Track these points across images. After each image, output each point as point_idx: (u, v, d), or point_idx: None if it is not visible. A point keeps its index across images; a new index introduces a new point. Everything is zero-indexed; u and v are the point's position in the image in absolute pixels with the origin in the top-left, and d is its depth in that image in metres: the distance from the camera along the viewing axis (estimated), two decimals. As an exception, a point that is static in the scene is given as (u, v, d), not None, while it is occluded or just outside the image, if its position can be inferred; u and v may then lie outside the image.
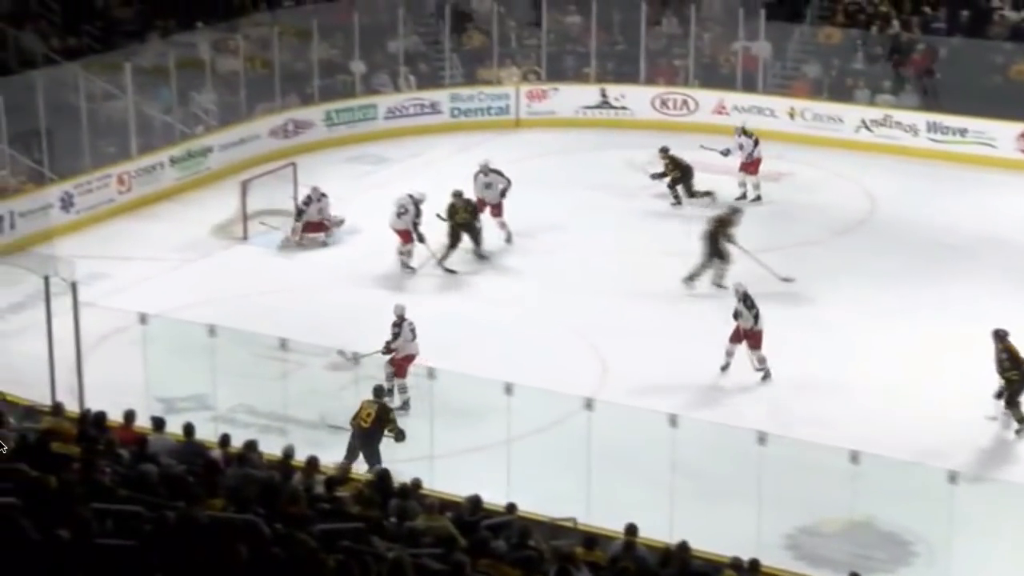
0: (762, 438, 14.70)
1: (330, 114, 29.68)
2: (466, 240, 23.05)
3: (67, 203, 24.62)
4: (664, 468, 15.02)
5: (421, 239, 22.84)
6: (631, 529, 12.78)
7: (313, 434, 16.37)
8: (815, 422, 17.14)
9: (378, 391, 16.28)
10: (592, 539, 12.59)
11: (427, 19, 32.19)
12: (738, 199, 25.56)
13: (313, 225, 24.11)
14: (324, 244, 24.08)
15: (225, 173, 26.91)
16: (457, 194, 23.11)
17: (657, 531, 13.25)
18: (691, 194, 25.40)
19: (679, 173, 25.53)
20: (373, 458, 15.47)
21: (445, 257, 22.63)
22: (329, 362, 18.71)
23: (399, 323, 18.12)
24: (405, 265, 22.95)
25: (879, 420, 17.50)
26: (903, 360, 19.33)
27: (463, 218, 22.82)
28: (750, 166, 26.27)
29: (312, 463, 13.48)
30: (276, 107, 28.97)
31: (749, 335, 18.90)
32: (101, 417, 13.58)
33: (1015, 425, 17.39)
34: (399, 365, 17.94)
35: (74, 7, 28.93)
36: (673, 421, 14.59)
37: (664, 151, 25.52)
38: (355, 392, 16.72)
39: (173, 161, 26.71)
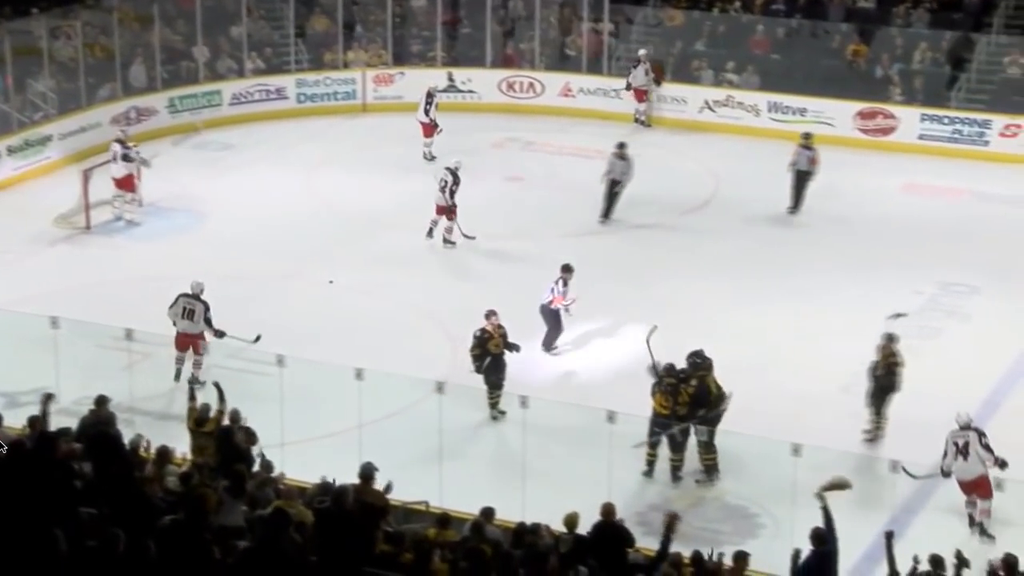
0: (611, 416, 14.88)
1: (173, 101, 29.25)
2: None
3: (-100, 195, 23.99)
4: (516, 449, 15.13)
5: (454, 207, 23.00)
6: (487, 512, 12.84)
7: (162, 425, 16.15)
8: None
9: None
10: (445, 519, 12.65)
11: (271, 3, 31.85)
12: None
13: (125, 180, 23.95)
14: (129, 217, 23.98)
15: (66, 162, 26.39)
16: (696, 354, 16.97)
17: (509, 511, 13.35)
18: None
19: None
20: None
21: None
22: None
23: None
24: (448, 241, 23.09)
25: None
26: (750, 338, 19.66)
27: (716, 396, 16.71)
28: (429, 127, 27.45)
29: (163, 454, 13.31)
30: (118, 94, 28.50)
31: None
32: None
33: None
34: None
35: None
36: (524, 402, 14.70)
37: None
38: (203, 380, 16.53)
39: (11, 150, 26.10)
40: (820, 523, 12.15)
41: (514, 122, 29.40)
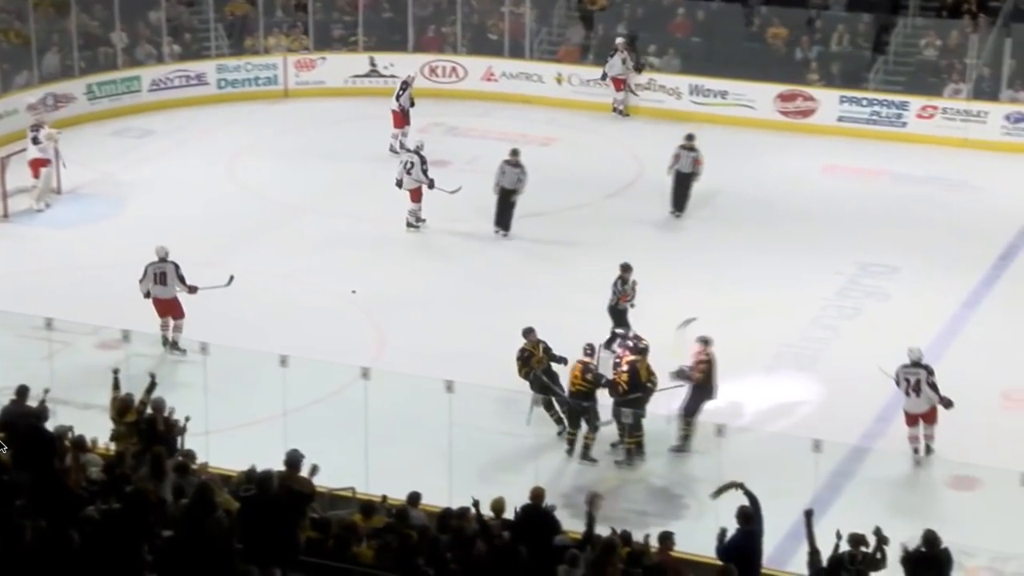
0: (538, 400, 14.96)
1: (92, 87, 28.91)
2: None
3: None
4: (443, 434, 15.15)
5: (432, 185, 22.95)
6: (413, 497, 12.86)
7: (84, 414, 16.00)
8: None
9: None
10: (370, 507, 12.65)
11: (190, -12, 31.56)
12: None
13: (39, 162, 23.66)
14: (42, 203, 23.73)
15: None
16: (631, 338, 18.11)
17: (436, 496, 13.37)
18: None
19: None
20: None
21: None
22: (99, 340, 18.38)
23: None
24: (411, 224, 23.13)
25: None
26: (672, 321, 19.71)
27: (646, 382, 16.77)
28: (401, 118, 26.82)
29: (79, 443, 13.19)
30: (34, 81, 28.13)
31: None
32: None
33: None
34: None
35: None
36: (450, 387, 14.71)
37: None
38: (126, 369, 16.39)
39: (-75, 139, 25.75)
40: (745, 503, 12.27)
41: (437, 107, 29.31)
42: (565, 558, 11.19)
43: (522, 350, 17.10)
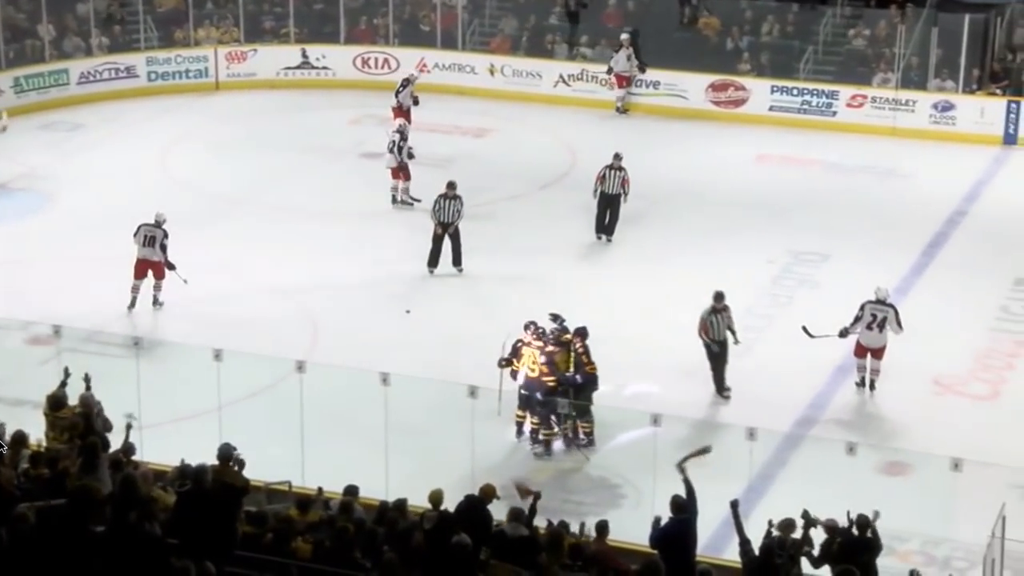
0: (473, 391, 14.95)
1: (19, 80, 28.58)
2: None
3: None
4: (379, 426, 15.12)
5: (410, 156, 23.52)
6: (350, 490, 12.84)
7: (14, 411, 15.83)
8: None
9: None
10: (306, 501, 12.61)
11: (118, -21, 31.29)
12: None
13: None
14: None
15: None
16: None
17: (373, 490, 13.34)
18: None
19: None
20: None
21: None
22: (29, 335, 18.19)
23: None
24: (404, 202, 23.53)
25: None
26: (602, 311, 19.79)
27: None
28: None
29: (20, 439, 13.05)
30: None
31: None
32: None
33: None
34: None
35: None
36: (385, 379, 14.68)
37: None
38: (57, 365, 16.23)
39: None
40: (681, 492, 12.32)
41: (370, 98, 29.22)
42: (509, 516, 11.48)
43: (519, 340, 16.73)
